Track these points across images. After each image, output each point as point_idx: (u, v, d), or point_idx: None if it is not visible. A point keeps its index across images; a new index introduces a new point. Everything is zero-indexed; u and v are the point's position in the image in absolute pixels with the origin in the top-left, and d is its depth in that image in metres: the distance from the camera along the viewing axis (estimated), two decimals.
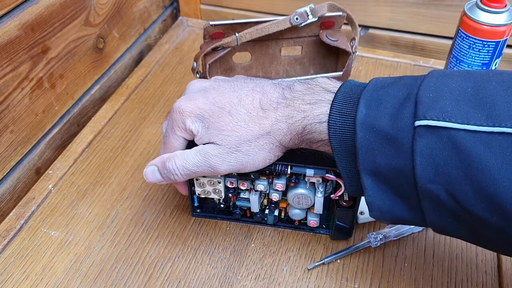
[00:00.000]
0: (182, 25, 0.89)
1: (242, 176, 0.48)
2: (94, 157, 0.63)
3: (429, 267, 0.50)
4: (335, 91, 0.41)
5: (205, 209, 0.55)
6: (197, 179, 0.49)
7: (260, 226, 0.54)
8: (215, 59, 0.59)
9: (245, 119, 0.43)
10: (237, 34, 0.59)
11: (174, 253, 0.51)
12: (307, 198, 0.49)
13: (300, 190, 0.48)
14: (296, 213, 0.51)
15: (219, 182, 0.49)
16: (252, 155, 0.43)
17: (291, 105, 0.42)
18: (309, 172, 0.46)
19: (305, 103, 0.42)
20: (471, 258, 0.51)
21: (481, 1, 0.58)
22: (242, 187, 0.50)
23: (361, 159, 0.38)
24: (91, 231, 0.53)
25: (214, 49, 0.60)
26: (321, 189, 0.48)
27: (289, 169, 0.46)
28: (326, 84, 0.43)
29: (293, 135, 0.42)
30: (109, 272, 0.49)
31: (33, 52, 0.59)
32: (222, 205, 0.53)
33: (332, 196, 0.48)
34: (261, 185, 0.49)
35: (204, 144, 0.45)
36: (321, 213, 0.50)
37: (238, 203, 0.52)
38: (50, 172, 0.60)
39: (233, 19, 0.60)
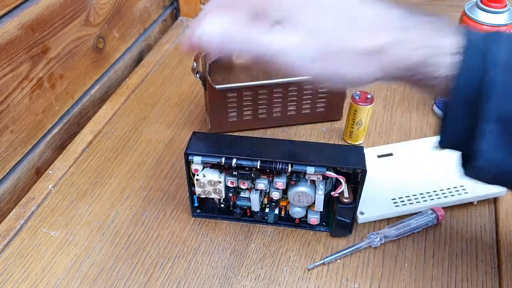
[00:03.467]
0: (182, 25, 0.89)
1: (242, 175, 0.48)
2: (94, 157, 0.63)
3: (429, 267, 0.50)
4: (462, 29, 0.36)
5: (205, 209, 0.55)
6: (197, 180, 0.49)
7: (260, 226, 0.54)
8: (214, 59, 0.59)
9: (347, 23, 0.35)
10: None
11: (174, 253, 0.51)
12: (307, 196, 0.49)
13: (301, 188, 0.48)
14: (296, 211, 0.51)
15: (220, 182, 0.49)
16: (342, 71, 0.36)
17: (413, 28, 0.35)
18: (310, 170, 0.46)
19: (431, 30, 0.35)
20: (471, 258, 0.51)
21: (481, 1, 0.58)
22: (243, 186, 0.50)
23: (492, 101, 0.33)
24: (91, 231, 0.53)
25: None
26: (321, 186, 0.48)
27: (289, 168, 0.46)
28: (451, 21, 0.36)
29: (406, 64, 0.35)
30: (109, 272, 0.49)
31: (33, 52, 0.59)
32: (222, 205, 0.53)
33: (332, 193, 0.48)
34: (261, 184, 0.49)
35: None
36: (322, 210, 0.50)
37: (238, 202, 0.52)
38: (50, 172, 0.60)
39: None
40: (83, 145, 0.64)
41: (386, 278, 0.49)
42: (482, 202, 0.57)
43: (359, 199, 0.48)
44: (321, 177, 0.48)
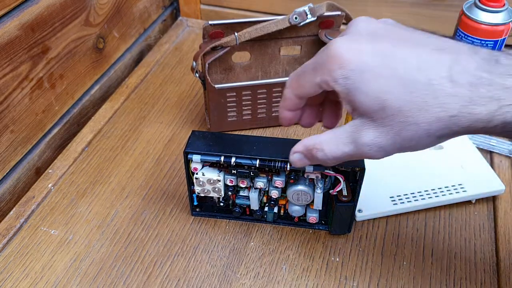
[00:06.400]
0: (182, 25, 0.89)
1: (241, 174, 0.49)
2: (94, 156, 0.63)
3: (427, 265, 0.50)
4: None
5: (204, 208, 0.55)
6: (196, 178, 0.49)
7: (259, 224, 0.54)
8: (214, 58, 0.59)
9: (422, 93, 0.32)
10: (236, 34, 0.59)
11: (174, 251, 0.51)
12: (306, 194, 0.49)
13: (300, 187, 0.48)
14: (295, 210, 0.51)
15: (219, 181, 0.49)
16: (415, 142, 0.34)
17: (498, 83, 0.31)
18: (308, 168, 0.46)
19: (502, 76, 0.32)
20: (470, 256, 0.51)
21: (479, 0, 0.58)
22: (242, 185, 0.50)
23: None
24: (90, 229, 0.54)
25: (213, 49, 0.60)
26: (320, 185, 0.48)
27: (288, 166, 0.47)
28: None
29: (494, 124, 0.32)
30: (108, 271, 0.50)
31: (33, 52, 0.59)
32: (221, 204, 0.53)
33: (331, 191, 0.49)
34: (260, 183, 0.49)
35: (353, 115, 0.36)
36: (321, 209, 0.51)
37: (237, 201, 0.52)
38: (50, 171, 0.61)
39: (233, 19, 0.60)
40: (83, 145, 0.64)
41: (384, 276, 0.49)
42: (481, 200, 0.57)
43: (358, 197, 0.48)
44: (320, 176, 0.48)
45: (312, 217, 0.52)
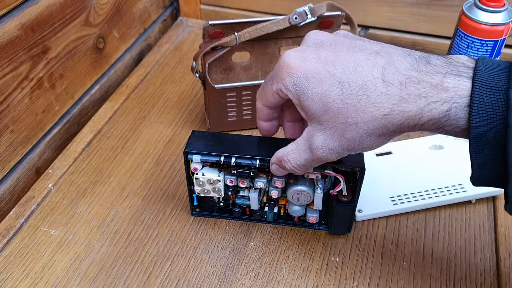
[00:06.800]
0: (182, 25, 0.89)
1: (241, 174, 0.49)
2: (94, 156, 0.63)
3: (427, 265, 0.50)
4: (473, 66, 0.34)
5: (204, 208, 0.55)
6: (196, 178, 0.49)
7: (260, 224, 0.54)
8: (214, 58, 0.59)
9: (357, 95, 0.35)
10: (236, 34, 0.59)
11: (174, 251, 0.51)
12: (306, 194, 0.49)
13: (300, 187, 0.48)
14: (295, 210, 0.51)
15: (219, 181, 0.49)
16: (358, 142, 0.37)
17: (426, 81, 0.34)
18: None
19: (448, 80, 0.33)
20: (470, 256, 0.51)
21: (479, 0, 0.58)
22: (242, 185, 0.50)
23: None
24: (90, 230, 0.54)
25: (213, 49, 0.60)
26: (320, 185, 0.48)
27: None
28: (465, 60, 0.35)
29: (424, 120, 0.34)
30: (108, 271, 0.50)
31: (33, 52, 0.59)
32: (221, 204, 0.53)
33: (331, 191, 0.49)
34: (260, 183, 0.49)
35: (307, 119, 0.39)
36: (321, 209, 0.51)
37: (237, 201, 0.52)
38: (50, 171, 0.61)
39: (233, 19, 0.60)
40: (83, 145, 0.64)
41: (384, 276, 0.49)
42: (481, 200, 0.57)
43: (358, 197, 0.48)
44: (320, 176, 0.48)
45: (312, 217, 0.52)
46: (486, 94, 0.32)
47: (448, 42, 0.78)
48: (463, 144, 0.61)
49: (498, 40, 0.58)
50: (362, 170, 0.46)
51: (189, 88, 0.74)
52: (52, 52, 0.62)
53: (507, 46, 0.69)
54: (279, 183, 0.49)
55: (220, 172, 0.49)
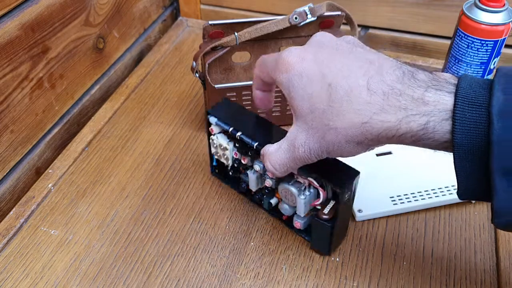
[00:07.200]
0: (182, 25, 0.89)
1: (243, 151, 0.51)
2: (94, 156, 0.63)
3: (427, 265, 0.50)
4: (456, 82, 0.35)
5: (221, 171, 0.58)
6: (212, 140, 0.53)
7: (260, 224, 0.54)
8: (214, 58, 0.59)
9: (341, 99, 0.35)
10: (236, 34, 0.59)
11: (174, 251, 0.51)
12: (292, 195, 0.48)
13: (287, 185, 0.48)
14: (285, 208, 0.50)
15: (227, 149, 0.52)
16: (337, 146, 0.37)
17: (408, 94, 0.34)
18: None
19: (429, 94, 0.34)
20: (470, 256, 0.51)
21: (479, 0, 0.58)
22: (243, 162, 0.51)
23: (496, 155, 0.31)
24: (90, 230, 0.54)
25: (213, 49, 0.60)
26: (307, 192, 0.47)
27: None
28: (449, 77, 0.35)
29: (401, 132, 0.34)
30: (108, 271, 0.50)
31: (33, 52, 0.59)
32: (230, 173, 0.55)
33: (311, 203, 0.47)
34: (257, 166, 0.50)
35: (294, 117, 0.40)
36: (302, 216, 0.49)
37: (243, 176, 0.54)
38: (50, 171, 0.61)
39: (233, 19, 0.60)
40: (83, 145, 0.64)
41: (384, 276, 0.49)
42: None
43: (338, 220, 0.46)
44: (307, 183, 0.46)
45: (298, 222, 0.50)
46: (468, 110, 0.33)
47: (448, 42, 0.78)
48: None
49: (498, 40, 0.58)
50: (342, 191, 0.43)
51: (189, 88, 0.74)
52: (52, 52, 0.62)
53: (507, 46, 0.69)
54: (271, 173, 0.47)
55: (229, 142, 0.52)
